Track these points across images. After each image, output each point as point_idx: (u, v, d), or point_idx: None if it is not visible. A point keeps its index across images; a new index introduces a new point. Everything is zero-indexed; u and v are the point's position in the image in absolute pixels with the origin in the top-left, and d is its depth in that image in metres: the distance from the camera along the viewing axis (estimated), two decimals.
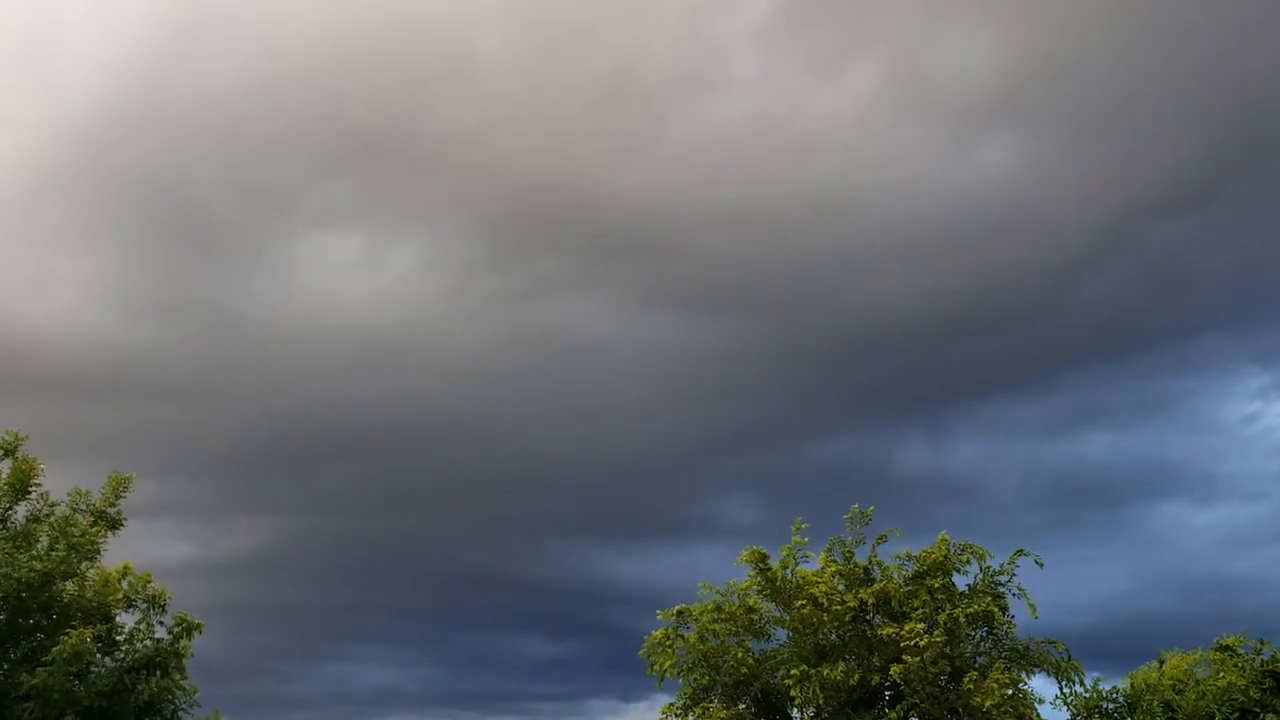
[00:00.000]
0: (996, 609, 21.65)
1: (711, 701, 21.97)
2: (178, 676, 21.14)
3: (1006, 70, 66.78)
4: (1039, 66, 67.44)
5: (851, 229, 71.12)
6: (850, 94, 68.92)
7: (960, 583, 22.07)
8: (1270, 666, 24.62)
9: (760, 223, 70.90)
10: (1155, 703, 26.00)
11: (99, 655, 20.23)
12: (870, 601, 21.43)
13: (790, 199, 68.98)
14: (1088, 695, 25.88)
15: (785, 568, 22.33)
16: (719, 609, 22.44)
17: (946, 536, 22.20)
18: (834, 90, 69.42)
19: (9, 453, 21.42)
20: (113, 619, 21.03)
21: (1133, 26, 65.66)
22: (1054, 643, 22.15)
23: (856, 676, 21.00)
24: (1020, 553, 21.96)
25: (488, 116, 69.47)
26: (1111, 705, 26.60)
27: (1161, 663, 29.75)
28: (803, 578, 22.01)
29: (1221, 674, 25.28)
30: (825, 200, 68.96)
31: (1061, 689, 23.42)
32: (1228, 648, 25.68)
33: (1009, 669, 21.50)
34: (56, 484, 21.77)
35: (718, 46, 70.45)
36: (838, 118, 69.61)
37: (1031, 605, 21.55)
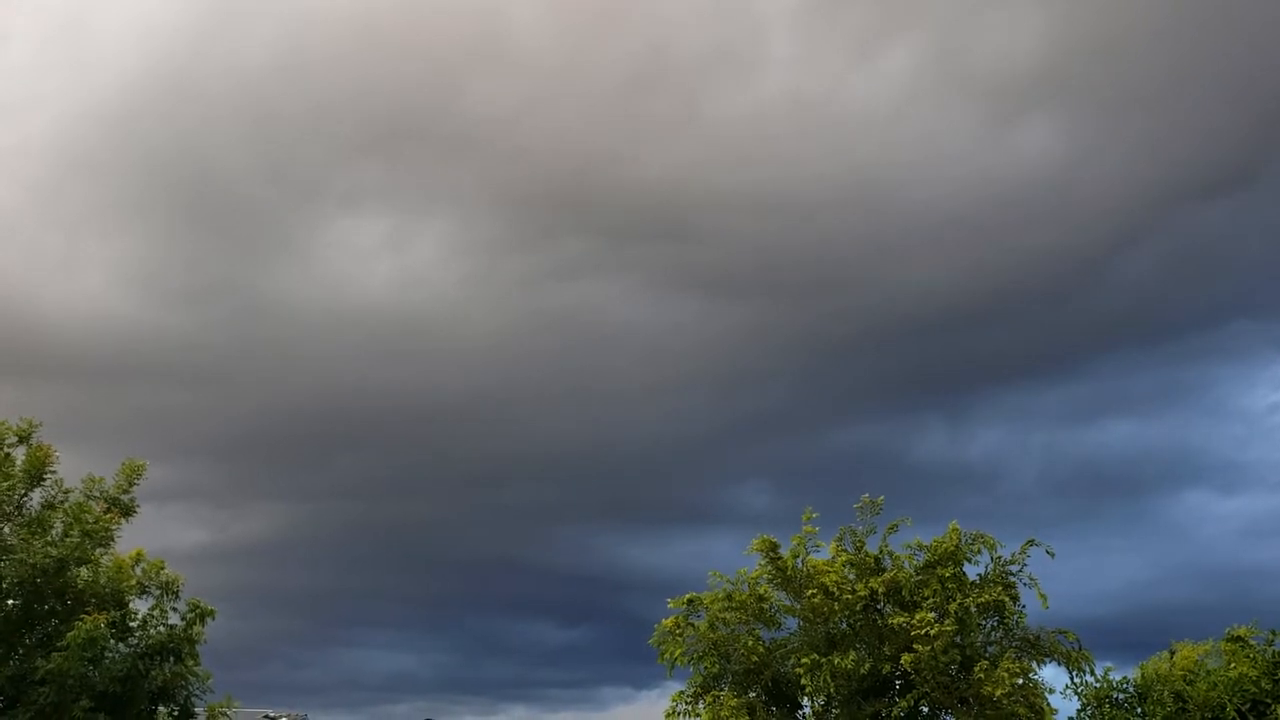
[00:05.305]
0: (1007, 598, 21.63)
1: (722, 690, 21.97)
2: (191, 662, 21.28)
3: (1043, 53, 66.06)
4: (1076, 49, 66.70)
5: (883, 213, 70.36)
6: (886, 75, 68.14)
7: (971, 572, 22.07)
8: None
9: (791, 206, 70.13)
10: (1166, 693, 25.92)
11: (113, 641, 20.36)
12: (881, 591, 21.42)
13: (823, 182, 68.15)
14: (1098, 685, 25.85)
15: (796, 557, 22.34)
16: (730, 597, 22.45)
17: (957, 526, 22.17)
18: (870, 71, 68.60)
19: (23, 439, 21.58)
20: (126, 605, 21.17)
21: (1170, 9, 64.79)
22: (1065, 632, 22.13)
23: (867, 665, 21.02)
24: (1031, 542, 21.94)
25: (518, 99, 68.90)
26: (1122, 695, 26.55)
27: (1172, 653, 29.68)
28: (813, 567, 22.02)
29: (1233, 665, 25.21)
30: (858, 183, 68.22)
31: (1072, 678, 23.43)
32: (1239, 638, 25.57)
33: (1020, 658, 21.47)
34: (75, 467, 21.97)
35: (751, 26, 69.60)
36: (874, 99, 68.74)
37: (1042, 595, 21.52)
